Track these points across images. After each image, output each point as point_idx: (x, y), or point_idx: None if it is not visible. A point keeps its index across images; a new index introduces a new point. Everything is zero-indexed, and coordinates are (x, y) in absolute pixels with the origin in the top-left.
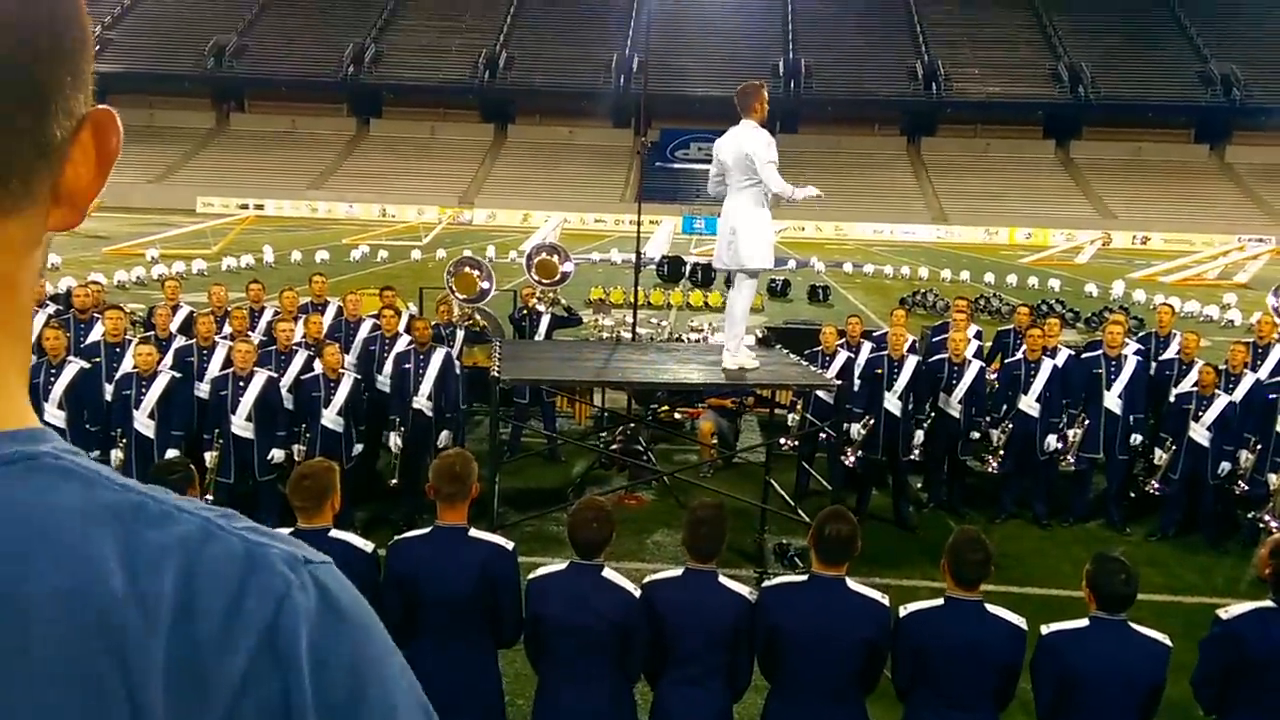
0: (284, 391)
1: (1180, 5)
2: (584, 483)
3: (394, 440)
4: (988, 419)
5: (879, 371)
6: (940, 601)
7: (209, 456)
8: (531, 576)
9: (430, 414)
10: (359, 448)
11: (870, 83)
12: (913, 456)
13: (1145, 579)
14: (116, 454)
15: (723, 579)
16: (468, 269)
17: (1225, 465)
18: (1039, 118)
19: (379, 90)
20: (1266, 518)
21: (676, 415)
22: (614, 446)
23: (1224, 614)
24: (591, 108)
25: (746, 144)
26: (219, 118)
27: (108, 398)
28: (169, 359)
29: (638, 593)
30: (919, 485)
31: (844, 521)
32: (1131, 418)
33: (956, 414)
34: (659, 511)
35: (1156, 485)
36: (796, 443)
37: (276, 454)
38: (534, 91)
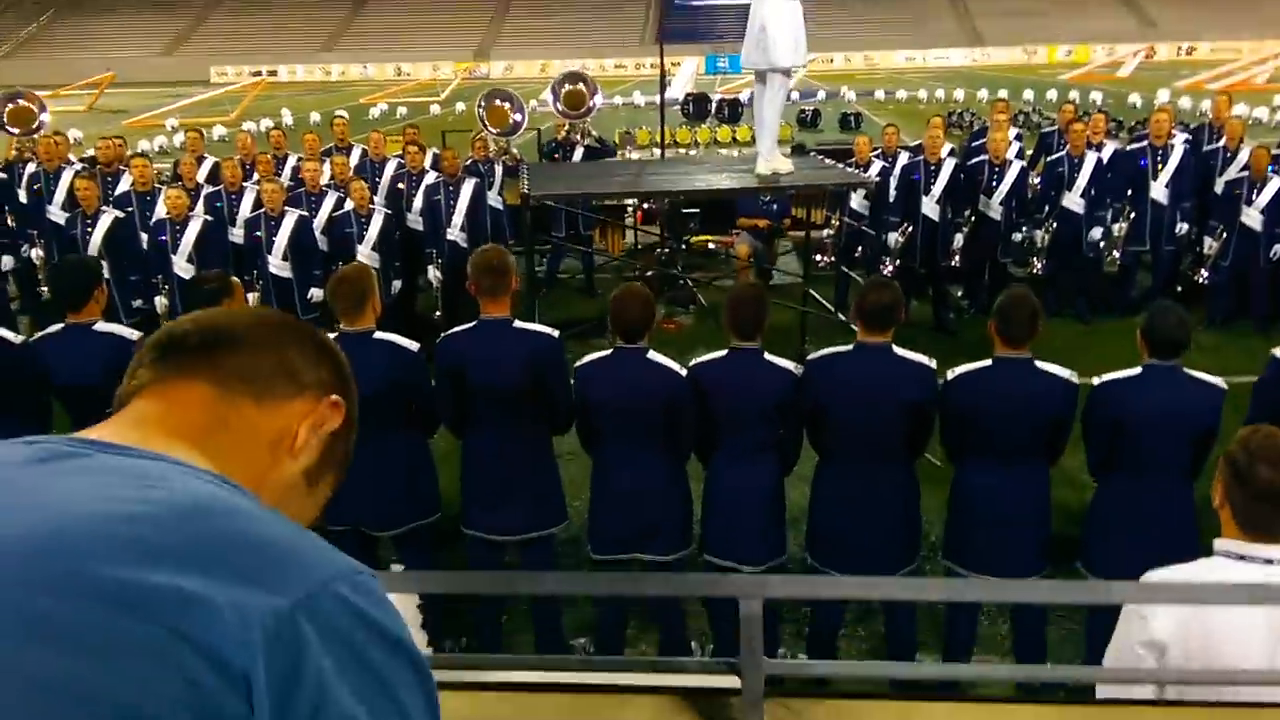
0: (317, 234)
1: None
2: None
3: (433, 274)
4: (1030, 221)
5: (915, 178)
6: (989, 362)
7: (250, 298)
8: (578, 364)
9: (465, 245)
10: (397, 284)
11: None
12: (953, 263)
13: (1193, 363)
14: (160, 300)
15: (768, 356)
16: (498, 101)
17: (1277, 248)
18: None
19: None
20: None
21: (710, 245)
22: (649, 273)
23: (1278, 352)
24: None
25: None
26: None
27: (144, 246)
28: (200, 205)
29: (684, 372)
30: (959, 294)
31: (887, 290)
32: (1179, 208)
33: (998, 216)
34: (699, 333)
35: (1205, 274)
36: (833, 259)
37: (315, 293)
38: None
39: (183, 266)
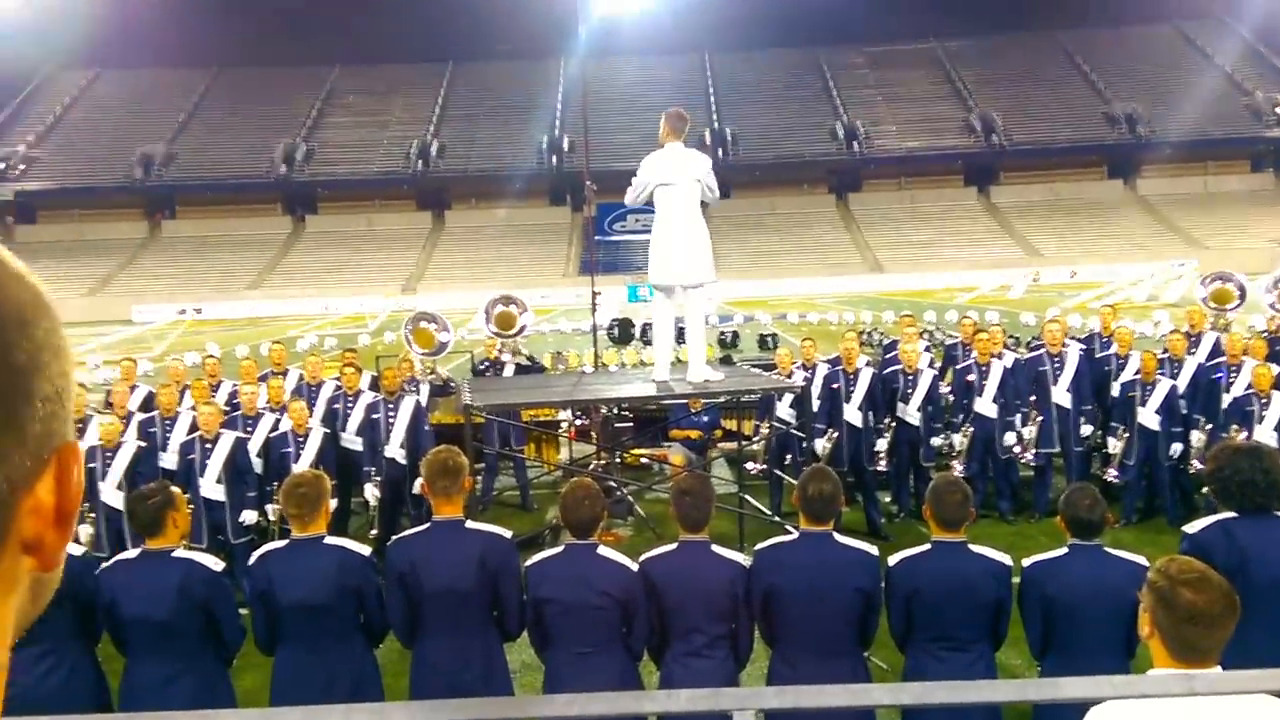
0: (253, 456)
1: (1077, 52)
2: (559, 525)
3: (370, 491)
4: (946, 425)
5: (836, 386)
6: (927, 546)
7: None
8: (529, 563)
9: (404, 462)
10: (332, 504)
11: (794, 146)
12: (879, 467)
13: None
14: (86, 529)
15: (715, 548)
16: (424, 324)
17: (1177, 447)
18: (958, 167)
19: (312, 187)
20: None
21: (644, 460)
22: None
23: (1189, 529)
24: (526, 189)
25: (700, 167)
26: (151, 226)
27: None
28: (132, 431)
29: (635, 567)
30: (887, 499)
31: (826, 480)
32: (1081, 411)
33: (916, 422)
34: (637, 545)
35: (1114, 473)
36: (764, 466)
37: (248, 515)
38: (468, 177)
39: (111, 494)
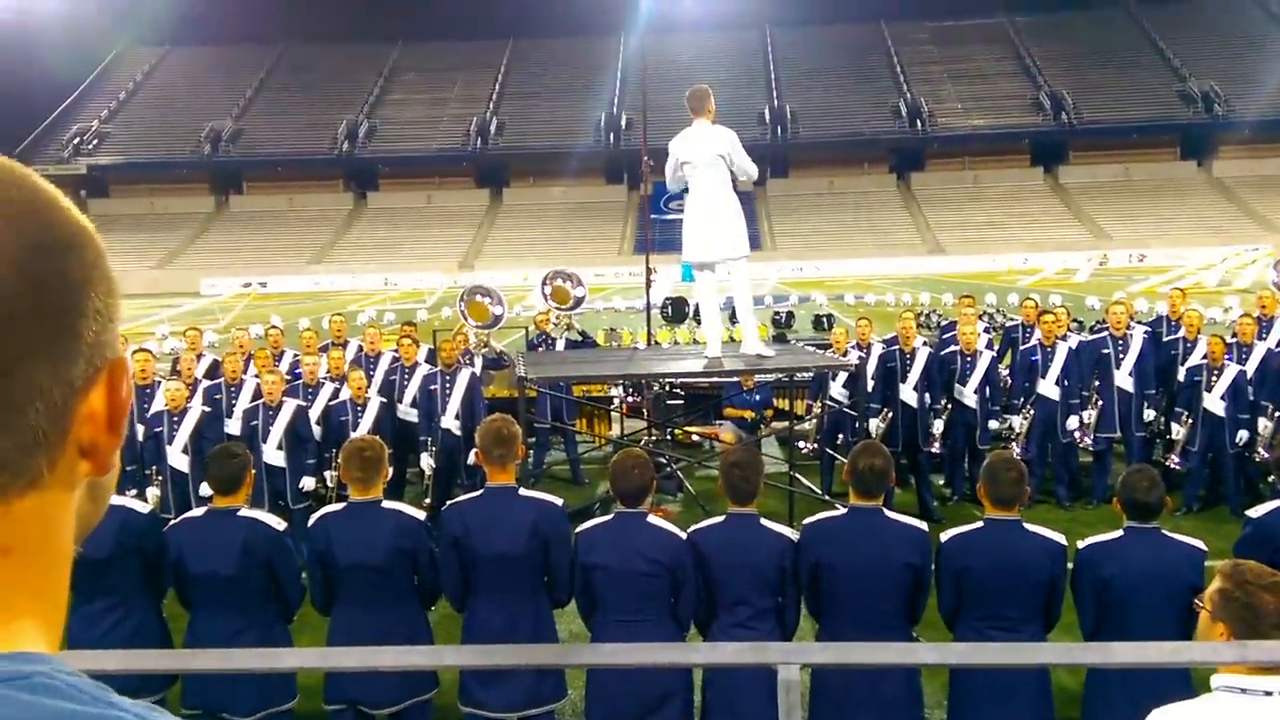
0: (313, 423)
1: (1154, 28)
2: (609, 498)
3: (426, 461)
4: (1004, 408)
5: (892, 365)
6: (980, 524)
7: None
8: (579, 530)
9: (459, 434)
10: (389, 472)
11: (855, 124)
12: (933, 448)
13: None
14: (153, 492)
15: (764, 521)
16: (479, 297)
17: (1243, 434)
18: (1025, 146)
19: (374, 164)
20: None
21: (695, 437)
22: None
23: (1253, 513)
24: (583, 166)
25: (723, 143)
26: (218, 201)
27: (139, 437)
28: (198, 397)
29: (684, 536)
30: (941, 482)
31: (878, 455)
32: (1144, 395)
33: (973, 404)
34: (686, 521)
35: (1176, 460)
36: (815, 445)
37: (306, 482)
38: (526, 155)
39: (178, 458)
